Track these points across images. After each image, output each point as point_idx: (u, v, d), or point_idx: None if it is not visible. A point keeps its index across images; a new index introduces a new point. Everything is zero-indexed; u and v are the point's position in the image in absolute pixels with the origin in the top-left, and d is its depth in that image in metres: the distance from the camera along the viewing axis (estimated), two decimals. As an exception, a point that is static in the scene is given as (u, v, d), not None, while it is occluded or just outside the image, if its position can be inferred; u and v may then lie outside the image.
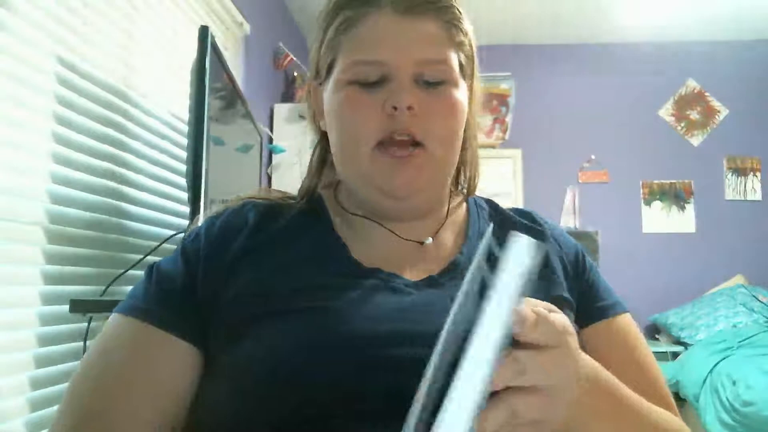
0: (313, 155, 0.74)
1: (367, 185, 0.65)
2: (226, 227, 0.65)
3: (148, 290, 0.62)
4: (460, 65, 0.65)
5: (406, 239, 0.67)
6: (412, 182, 0.62)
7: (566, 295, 0.67)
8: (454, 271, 0.65)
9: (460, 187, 0.76)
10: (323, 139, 0.72)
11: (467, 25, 0.66)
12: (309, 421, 0.52)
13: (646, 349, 0.69)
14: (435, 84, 0.62)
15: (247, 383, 0.54)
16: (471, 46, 0.67)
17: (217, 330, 0.59)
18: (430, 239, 0.67)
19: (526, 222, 0.73)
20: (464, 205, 0.75)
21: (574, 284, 0.69)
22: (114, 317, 0.61)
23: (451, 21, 0.63)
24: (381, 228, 0.67)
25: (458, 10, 0.64)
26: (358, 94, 0.62)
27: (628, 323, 0.70)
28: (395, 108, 0.60)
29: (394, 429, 0.46)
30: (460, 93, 0.64)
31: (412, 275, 0.64)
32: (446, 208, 0.71)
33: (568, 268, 0.70)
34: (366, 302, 0.58)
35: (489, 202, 0.77)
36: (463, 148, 0.69)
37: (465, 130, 0.67)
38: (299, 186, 0.74)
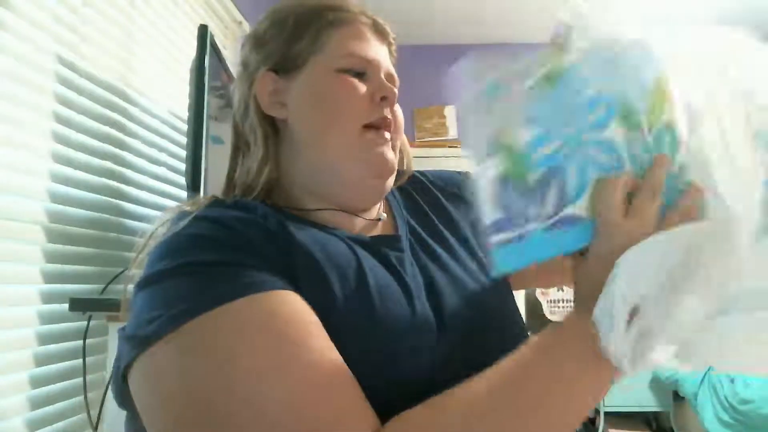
0: (267, 148, 0.71)
1: (355, 160, 0.69)
2: (252, 235, 0.60)
3: (226, 273, 0.54)
4: None
5: (368, 219, 0.75)
6: (393, 161, 0.72)
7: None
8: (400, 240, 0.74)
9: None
10: (275, 131, 0.72)
11: None
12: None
13: None
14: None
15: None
16: None
17: None
18: (384, 215, 0.78)
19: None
20: None
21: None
22: (233, 306, 0.51)
23: (392, 51, 0.78)
24: (342, 213, 0.72)
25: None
26: (351, 79, 0.70)
27: None
28: (385, 98, 0.70)
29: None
30: None
31: None
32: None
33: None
34: (388, 286, 0.64)
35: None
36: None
37: None
38: (242, 182, 0.72)
